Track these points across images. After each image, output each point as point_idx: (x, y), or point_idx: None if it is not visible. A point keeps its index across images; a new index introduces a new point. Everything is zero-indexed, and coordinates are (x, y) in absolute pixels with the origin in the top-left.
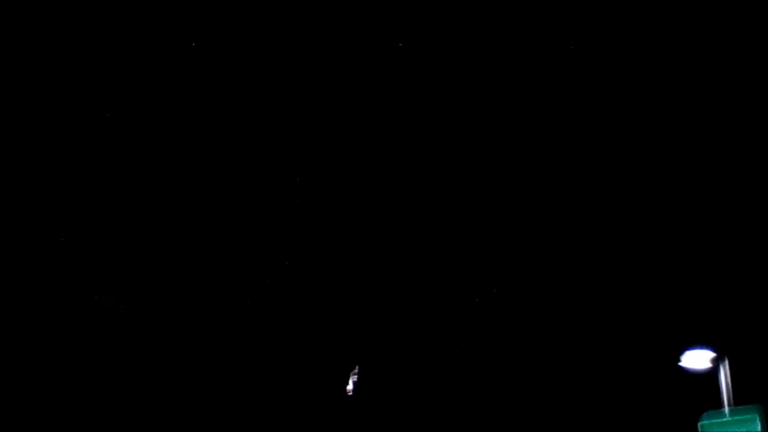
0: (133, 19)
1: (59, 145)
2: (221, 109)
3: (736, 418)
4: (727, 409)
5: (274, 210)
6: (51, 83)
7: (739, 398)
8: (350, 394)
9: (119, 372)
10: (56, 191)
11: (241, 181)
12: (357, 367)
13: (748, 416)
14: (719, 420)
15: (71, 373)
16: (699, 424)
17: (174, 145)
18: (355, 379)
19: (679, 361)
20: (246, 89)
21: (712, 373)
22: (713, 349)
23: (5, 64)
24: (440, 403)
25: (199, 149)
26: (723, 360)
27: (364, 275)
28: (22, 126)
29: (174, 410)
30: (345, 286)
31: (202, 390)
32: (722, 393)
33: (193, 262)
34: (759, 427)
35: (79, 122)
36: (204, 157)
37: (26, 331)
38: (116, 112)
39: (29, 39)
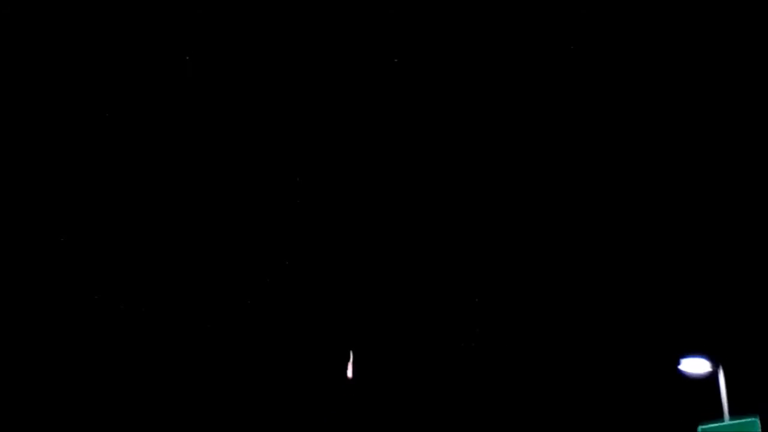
0: (134, 20)
1: (59, 145)
2: (221, 111)
3: (735, 423)
4: (725, 419)
5: (274, 210)
6: (51, 84)
7: (735, 408)
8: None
9: (119, 372)
10: (56, 191)
11: (242, 181)
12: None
13: (748, 422)
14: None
15: (71, 373)
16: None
17: (174, 146)
18: (351, 361)
19: (677, 368)
20: (247, 92)
21: (709, 381)
22: (710, 358)
23: (5, 64)
24: (440, 402)
25: (200, 150)
26: (719, 369)
27: (363, 275)
28: (23, 127)
29: (174, 410)
30: (344, 286)
31: (202, 389)
32: (722, 402)
33: (193, 262)
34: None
35: (78, 122)
36: (204, 158)
37: (26, 331)
38: (115, 112)
39: (30, 39)
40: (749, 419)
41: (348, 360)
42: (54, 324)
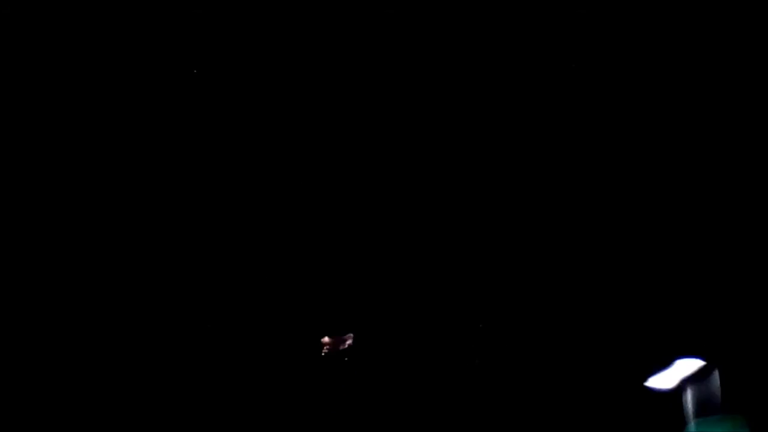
0: (134, 20)
1: (59, 145)
2: (221, 110)
3: (722, 420)
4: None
5: (273, 210)
6: (51, 85)
7: (724, 408)
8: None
9: (119, 372)
10: (56, 191)
11: (241, 181)
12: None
13: (735, 419)
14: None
15: (71, 374)
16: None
17: (173, 146)
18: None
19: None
20: (245, 92)
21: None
22: (702, 359)
23: (5, 64)
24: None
25: (198, 150)
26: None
27: (364, 275)
28: (23, 126)
29: (174, 409)
30: (344, 285)
31: (202, 389)
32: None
33: (192, 262)
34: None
35: (78, 122)
36: (203, 158)
37: (26, 332)
38: (115, 112)
39: (30, 39)
40: (736, 417)
41: (344, 352)
42: (54, 324)
